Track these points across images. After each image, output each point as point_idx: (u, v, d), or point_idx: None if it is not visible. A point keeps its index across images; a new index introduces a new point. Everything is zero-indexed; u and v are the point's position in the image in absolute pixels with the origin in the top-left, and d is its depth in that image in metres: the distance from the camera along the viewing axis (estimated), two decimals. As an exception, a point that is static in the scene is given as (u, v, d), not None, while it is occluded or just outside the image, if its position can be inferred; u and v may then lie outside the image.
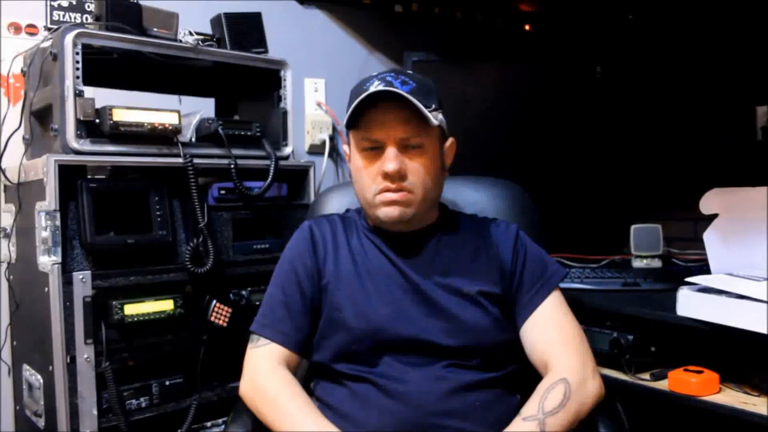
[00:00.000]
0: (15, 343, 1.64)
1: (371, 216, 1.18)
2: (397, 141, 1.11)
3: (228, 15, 1.72)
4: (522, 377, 1.15)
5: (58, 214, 1.37)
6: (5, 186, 1.62)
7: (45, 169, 1.37)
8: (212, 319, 1.54)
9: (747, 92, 1.95)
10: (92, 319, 1.39)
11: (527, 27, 2.51)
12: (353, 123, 1.13)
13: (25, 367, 1.55)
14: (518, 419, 1.01)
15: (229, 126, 1.65)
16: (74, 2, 1.54)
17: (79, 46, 1.41)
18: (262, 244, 1.69)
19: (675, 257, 1.98)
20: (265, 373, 1.11)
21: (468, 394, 1.07)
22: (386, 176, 1.11)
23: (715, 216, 1.46)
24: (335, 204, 1.44)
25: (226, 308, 1.56)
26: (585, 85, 2.19)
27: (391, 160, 1.10)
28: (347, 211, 1.31)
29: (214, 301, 1.55)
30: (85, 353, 1.38)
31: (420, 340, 1.10)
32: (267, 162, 1.68)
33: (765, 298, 1.18)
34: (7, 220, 1.58)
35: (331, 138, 2.23)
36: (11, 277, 1.61)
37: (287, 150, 1.79)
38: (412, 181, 1.12)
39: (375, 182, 1.13)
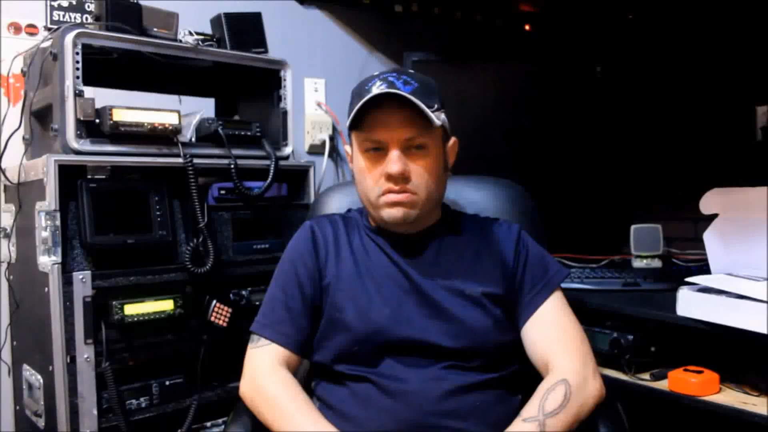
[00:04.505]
0: (15, 343, 1.64)
1: (375, 217, 1.18)
2: (400, 142, 1.11)
3: (228, 15, 1.72)
4: (523, 378, 1.15)
5: (58, 214, 1.37)
6: (5, 186, 1.62)
7: (45, 169, 1.37)
8: (212, 319, 1.54)
9: (747, 92, 1.95)
10: (92, 319, 1.39)
11: (527, 27, 2.51)
12: (356, 124, 1.13)
13: (25, 367, 1.55)
14: (518, 420, 1.01)
15: (229, 126, 1.65)
16: (74, 2, 1.54)
17: (79, 46, 1.41)
18: (262, 244, 1.69)
19: (675, 257, 1.98)
20: (266, 373, 1.11)
21: (468, 394, 1.07)
22: (390, 178, 1.11)
23: (715, 216, 1.46)
24: (336, 204, 1.44)
25: (226, 308, 1.56)
26: (585, 85, 2.19)
27: (394, 162, 1.09)
28: (349, 210, 1.31)
29: (214, 301, 1.55)
30: (85, 353, 1.38)
31: (421, 341, 1.10)
32: (267, 162, 1.68)
33: (765, 298, 1.18)
34: (7, 220, 1.58)
35: (331, 138, 2.23)
36: (11, 277, 1.61)
37: (287, 150, 1.79)
38: (415, 182, 1.12)
39: (378, 183, 1.12)
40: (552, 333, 1.13)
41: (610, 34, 2.27)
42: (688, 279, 1.36)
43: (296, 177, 1.81)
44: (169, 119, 1.51)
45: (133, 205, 1.48)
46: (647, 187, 2.19)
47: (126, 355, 1.45)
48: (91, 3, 1.55)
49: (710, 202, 1.46)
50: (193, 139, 1.66)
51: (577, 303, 1.24)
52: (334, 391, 1.13)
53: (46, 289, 1.37)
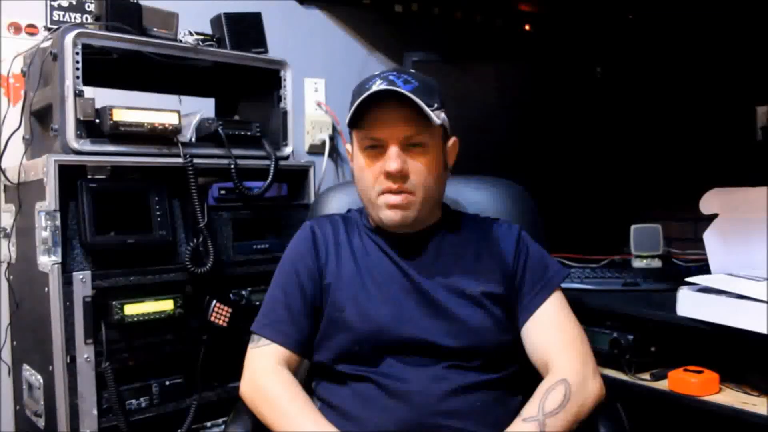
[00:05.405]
0: (15, 343, 1.64)
1: (373, 216, 1.18)
2: (399, 140, 1.11)
3: (228, 15, 1.72)
4: (523, 378, 1.15)
5: (58, 214, 1.37)
6: (5, 186, 1.62)
7: (45, 169, 1.37)
8: (212, 319, 1.54)
9: (747, 92, 1.95)
10: (92, 319, 1.39)
11: (527, 27, 2.51)
12: (356, 122, 1.13)
13: (25, 367, 1.55)
14: (518, 420, 1.01)
15: (229, 126, 1.65)
16: (74, 2, 1.54)
17: (79, 46, 1.41)
18: (262, 244, 1.69)
19: (675, 257, 1.98)
20: (266, 373, 1.11)
21: (469, 394, 1.07)
22: (388, 176, 1.11)
23: (715, 216, 1.46)
24: (336, 204, 1.44)
25: (226, 308, 1.56)
26: (585, 85, 2.19)
27: (393, 160, 1.10)
28: (349, 210, 1.31)
29: (214, 301, 1.55)
30: (85, 353, 1.38)
31: (421, 340, 1.10)
32: (267, 162, 1.68)
33: (765, 298, 1.18)
34: (7, 220, 1.58)
35: (331, 138, 2.23)
36: (11, 277, 1.61)
37: (287, 150, 1.79)
38: (413, 181, 1.12)
39: (377, 182, 1.12)
40: (552, 333, 1.13)
41: (610, 35, 2.27)
42: (688, 279, 1.36)
43: (296, 177, 1.81)
44: (169, 119, 1.51)
45: (133, 205, 1.48)
46: (647, 187, 2.19)
47: (126, 355, 1.45)
48: (91, 3, 1.55)
49: (710, 202, 1.46)
50: (193, 139, 1.66)
51: (577, 303, 1.24)
52: (335, 391, 1.13)
53: (46, 289, 1.37)
